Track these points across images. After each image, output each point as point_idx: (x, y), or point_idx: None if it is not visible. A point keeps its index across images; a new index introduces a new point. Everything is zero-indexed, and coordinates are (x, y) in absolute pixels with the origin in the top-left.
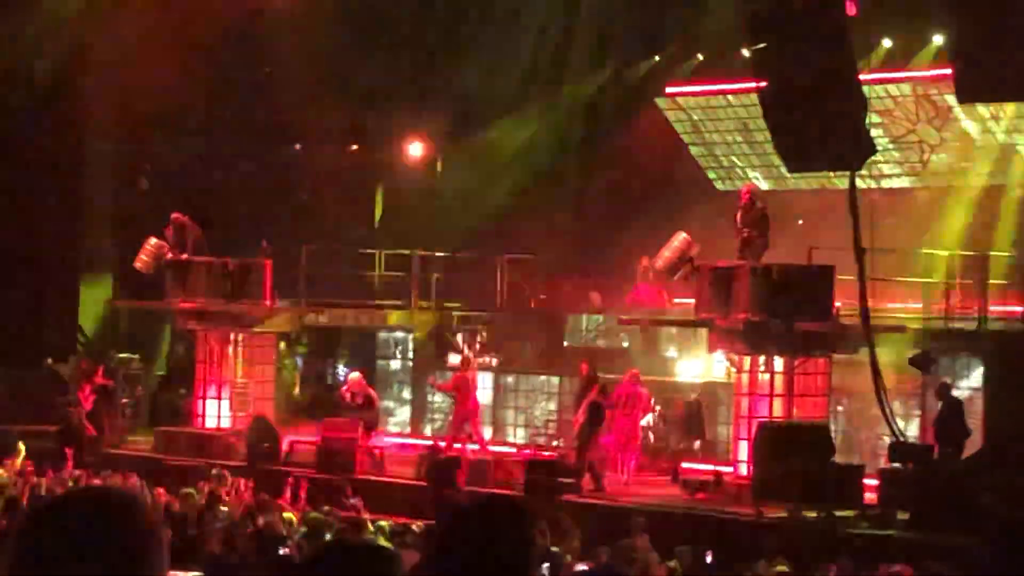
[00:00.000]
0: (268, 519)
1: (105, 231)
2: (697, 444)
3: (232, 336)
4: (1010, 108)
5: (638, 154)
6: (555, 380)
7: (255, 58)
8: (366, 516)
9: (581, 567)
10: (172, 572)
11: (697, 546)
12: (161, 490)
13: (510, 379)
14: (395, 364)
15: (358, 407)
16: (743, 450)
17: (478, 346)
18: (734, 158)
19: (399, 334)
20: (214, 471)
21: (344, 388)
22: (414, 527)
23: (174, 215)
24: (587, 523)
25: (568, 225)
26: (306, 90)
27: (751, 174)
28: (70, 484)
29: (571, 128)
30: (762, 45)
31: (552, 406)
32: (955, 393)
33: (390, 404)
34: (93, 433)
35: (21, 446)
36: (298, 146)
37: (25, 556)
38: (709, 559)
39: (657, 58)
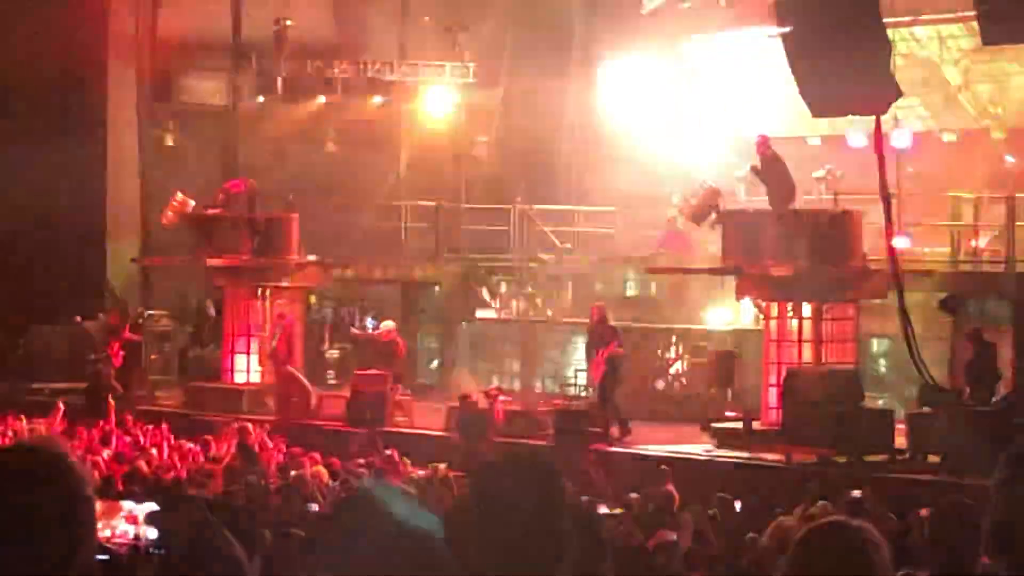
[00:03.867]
0: (299, 473)
1: (132, 187)
2: (725, 392)
3: (260, 291)
4: None
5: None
6: (584, 330)
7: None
8: (406, 466)
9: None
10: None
11: (727, 494)
12: (190, 444)
13: (539, 329)
14: (423, 317)
15: (386, 354)
16: (772, 397)
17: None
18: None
19: (427, 287)
20: (236, 425)
21: (380, 333)
22: (445, 476)
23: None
24: (616, 472)
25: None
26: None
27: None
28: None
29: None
30: None
31: (581, 356)
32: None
33: (420, 357)
34: (120, 390)
35: (60, 405)
36: (323, 99)
37: None
38: (739, 506)
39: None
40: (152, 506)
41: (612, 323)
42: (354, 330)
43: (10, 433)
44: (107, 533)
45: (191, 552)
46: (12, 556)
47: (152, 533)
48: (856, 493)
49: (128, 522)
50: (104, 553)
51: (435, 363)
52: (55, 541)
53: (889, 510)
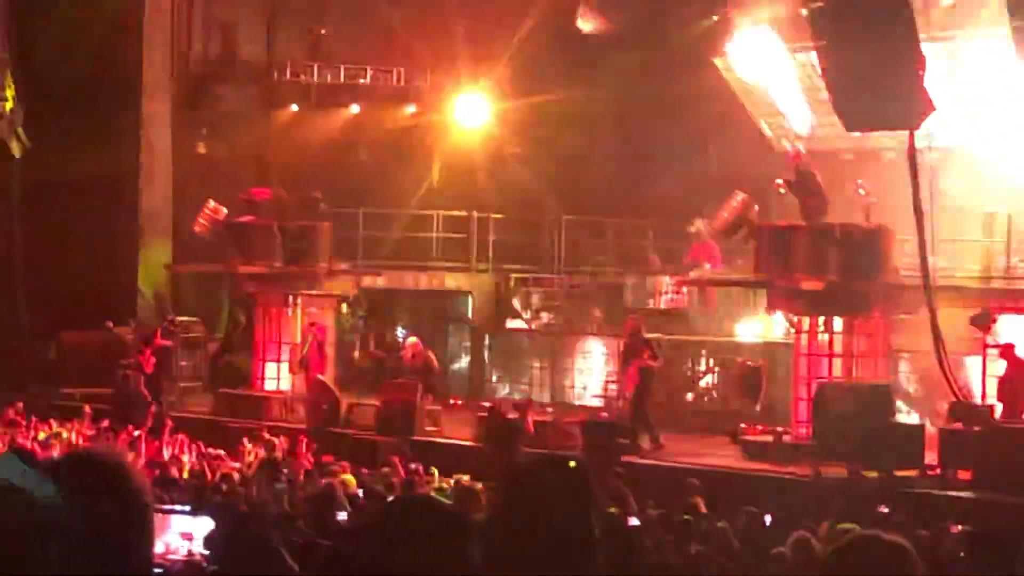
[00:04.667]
0: (328, 482)
1: (165, 194)
2: (753, 406)
3: (291, 299)
4: None
5: (696, 114)
6: (615, 342)
7: (312, 18)
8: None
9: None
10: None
11: (756, 507)
12: (220, 452)
13: (570, 341)
14: (453, 327)
15: (418, 370)
16: (803, 411)
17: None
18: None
19: (458, 297)
20: (266, 435)
21: (404, 351)
22: (475, 487)
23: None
24: (644, 484)
25: (627, 185)
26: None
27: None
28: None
29: (629, 88)
30: (820, 4)
31: (612, 368)
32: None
33: (450, 367)
34: (148, 397)
35: (87, 409)
36: (356, 108)
37: (11, 519)
38: (768, 520)
39: (715, 17)
40: (208, 522)
41: (646, 335)
42: (373, 350)
43: (41, 437)
44: (160, 548)
45: (248, 569)
46: (74, 563)
47: (207, 549)
48: (884, 508)
49: (183, 538)
50: (158, 567)
51: (464, 373)
52: (116, 548)
53: (919, 526)
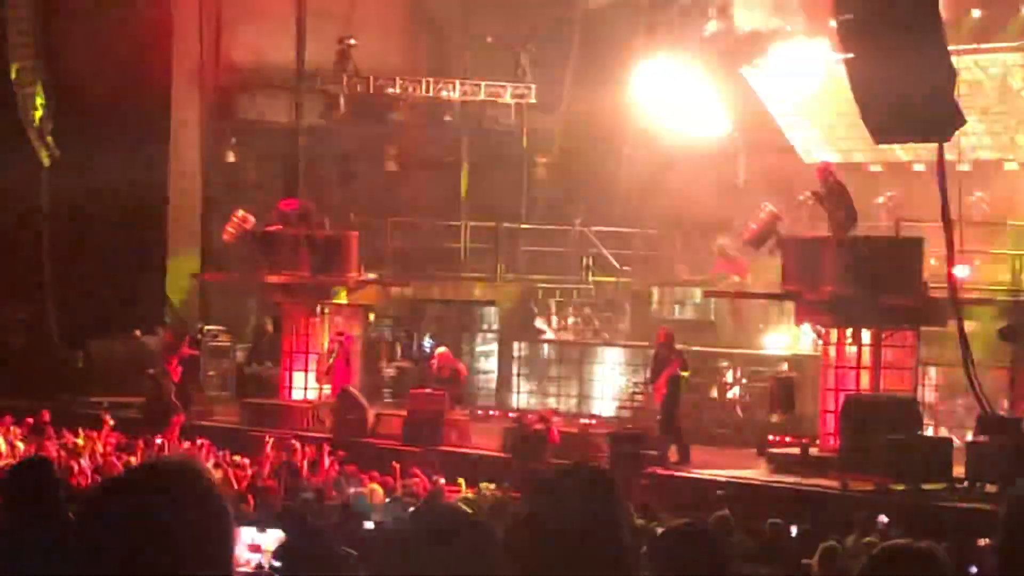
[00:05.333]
0: (355, 491)
1: (193, 203)
2: (783, 417)
3: (318, 308)
4: None
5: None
6: (641, 352)
7: (341, 28)
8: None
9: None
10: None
11: (782, 519)
12: (246, 460)
13: (596, 351)
14: (480, 337)
15: (445, 380)
16: (830, 423)
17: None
18: (818, 130)
19: (485, 307)
20: (294, 441)
21: (431, 361)
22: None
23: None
24: (671, 496)
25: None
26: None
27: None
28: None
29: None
30: (848, 15)
31: (639, 378)
32: None
33: (476, 377)
34: (180, 407)
35: (108, 419)
36: (385, 116)
37: (93, 532)
38: (794, 532)
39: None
40: (278, 534)
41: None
42: (399, 363)
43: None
44: None
45: None
46: (159, 570)
47: (278, 561)
48: (883, 518)
49: (251, 551)
50: None
51: (491, 383)
52: (199, 557)
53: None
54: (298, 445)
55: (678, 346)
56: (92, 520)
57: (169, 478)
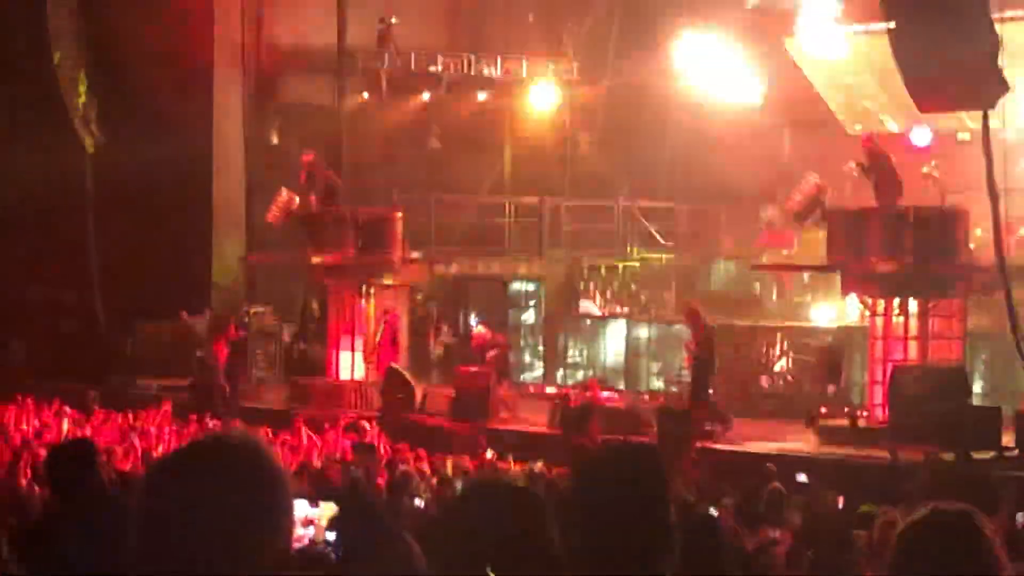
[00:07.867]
0: (406, 469)
1: (237, 185)
2: (831, 389)
3: (364, 288)
4: None
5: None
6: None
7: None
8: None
9: (711, 512)
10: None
11: (831, 491)
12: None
13: (643, 328)
14: (526, 314)
15: (491, 357)
16: (878, 394)
17: (610, 295)
18: (866, 101)
19: (530, 284)
20: (363, 422)
21: (476, 338)
22: (542, 473)
23: (304, 156)
24: (720, 470)
25: (697, 169)
26: (433, 39)
27: (883, 117)
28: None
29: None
30: None
31: (686, 355)
32: None
33: (524, 355)
34: (227, 390)
35: (167, 404)
36: (427, 95)
37: (153, 509)
38: (841, 504)
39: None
40: (331, 507)
41: (704, 319)
42: (445, 340)
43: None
44: None
45: (379, 554)
46: (220, 543)
47: (332, 535)
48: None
49: (304, 525)
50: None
51: (537, 359)
52: (261, 528)
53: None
54: (367, 426)
55: (724, 321)
56: (155, 492)
57: (231, 451)
